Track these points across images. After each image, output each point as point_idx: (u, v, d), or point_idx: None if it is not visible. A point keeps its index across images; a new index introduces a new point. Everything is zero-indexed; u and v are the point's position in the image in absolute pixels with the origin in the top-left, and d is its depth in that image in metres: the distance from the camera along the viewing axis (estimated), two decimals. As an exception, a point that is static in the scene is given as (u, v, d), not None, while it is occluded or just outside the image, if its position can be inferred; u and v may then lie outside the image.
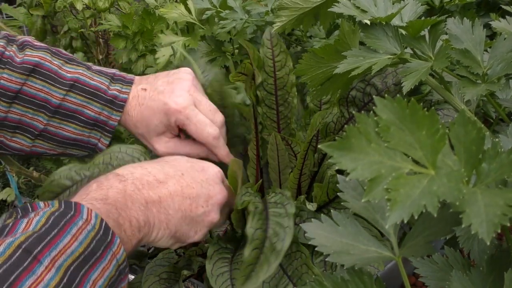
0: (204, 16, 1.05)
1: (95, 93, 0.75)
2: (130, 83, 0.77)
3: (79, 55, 1.31)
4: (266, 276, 0.59)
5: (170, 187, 0.62)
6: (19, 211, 0.52)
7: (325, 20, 0.74)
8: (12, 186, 1.17)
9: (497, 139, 0.38)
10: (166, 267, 0.74)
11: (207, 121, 0.74)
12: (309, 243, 0.47)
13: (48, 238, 0.47)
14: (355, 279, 0.46)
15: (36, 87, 0.73)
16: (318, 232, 0.47)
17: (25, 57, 0.73)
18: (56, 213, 0.50)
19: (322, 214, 0.49)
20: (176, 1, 1.22)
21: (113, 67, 0.82)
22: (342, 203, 0.50)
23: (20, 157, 1.27)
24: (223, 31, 1.02)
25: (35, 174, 1.06)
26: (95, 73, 0.76)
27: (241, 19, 0.98)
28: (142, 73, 1.23)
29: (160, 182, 0.62)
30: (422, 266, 0.54)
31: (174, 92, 0.74)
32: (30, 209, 0.52)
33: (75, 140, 0.76)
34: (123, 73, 0.79)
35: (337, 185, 0.50)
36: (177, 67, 0.83)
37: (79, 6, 1.23)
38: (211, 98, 0.80)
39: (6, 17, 1.94)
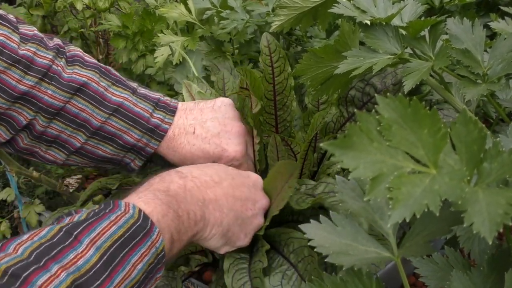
0: (205, 16, 1.04)
1: (137, 120, 0.74)
2: (173, 112, 0.77)
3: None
4: None
5: (224, 188, 0.66)
6: (65, 216, 0.54)
7: (324, 21, 0.74)
8: (12, 186, 1.17)
9: (498, 139, 0.38)
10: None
11: (252, 165, 0.79)
12: (308, 244, 0.47)
13: (87, 222, 0.50)
14: (355, 280, 0.46)
15: (79, 107, 0.71)
16: (317, 232, 0.48)
17: (73, 75, 0.71)
18: (96, 210, 0.53)
19: (320, 215, 0.49)
20: (176, 1, 1.21)
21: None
22: (340, 204, 0.50)
23: (20, 157, 1.27)
24: (224, 32, 1.02)
25: (35, 174, 1.06)
26: (140, 98, 0.75)
27: (242, 19, 0.98)
28: (142, 73, 1.23)
29: (215, 182, 0.65)
30: (422, 266, 0.54)
31: (231, 139, 0.76)
32: (74, 213, 0.54)
33: (109, 159, 0.76)
34: (167, 98, 0.79)
35: (335, 186, 0.50)
36: (176, 66, 0.83)
37: (79, 6, 1.23)
38: None
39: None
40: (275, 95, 0.81)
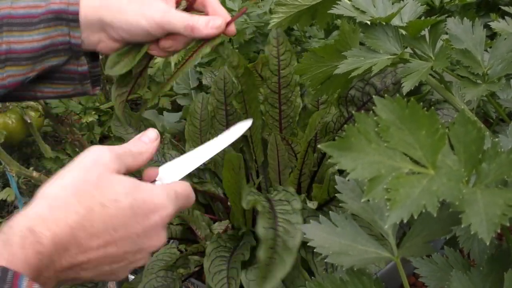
0: (204, 16, 1.04)
1: (28, 21, 0.61)
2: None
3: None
4: (283, 275, 0.59)
5: (91, 254, 0.47)
6: None
7: (322, 20, 0.74)
8: (12, 186, 1.17)
9: (497, 139, 0.38)
10: (164, 265, 0.74)
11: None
12: (308, 244, 0.47)
13: None
14: (354, 280, 0.46)
15: None
16: (316, 233, 0.47)
17: None
18: None
19: (320, 215, 0.49)
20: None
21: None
22: (340, 204, 0.50)
23: (20, 157, 1.27)
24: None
25: (35, 174, 1.06)
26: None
27: (241, 21, 0.98)
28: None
29: (79, 245, 0.46)
30: (422, 266, 0.54)
31: None
32: None
33: (44, 47, 0.63)
34: None
35: (336, 186, 0.50)
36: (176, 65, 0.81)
37: (79, 6, 1.23)
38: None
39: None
40: (280, 88, 0.81)
